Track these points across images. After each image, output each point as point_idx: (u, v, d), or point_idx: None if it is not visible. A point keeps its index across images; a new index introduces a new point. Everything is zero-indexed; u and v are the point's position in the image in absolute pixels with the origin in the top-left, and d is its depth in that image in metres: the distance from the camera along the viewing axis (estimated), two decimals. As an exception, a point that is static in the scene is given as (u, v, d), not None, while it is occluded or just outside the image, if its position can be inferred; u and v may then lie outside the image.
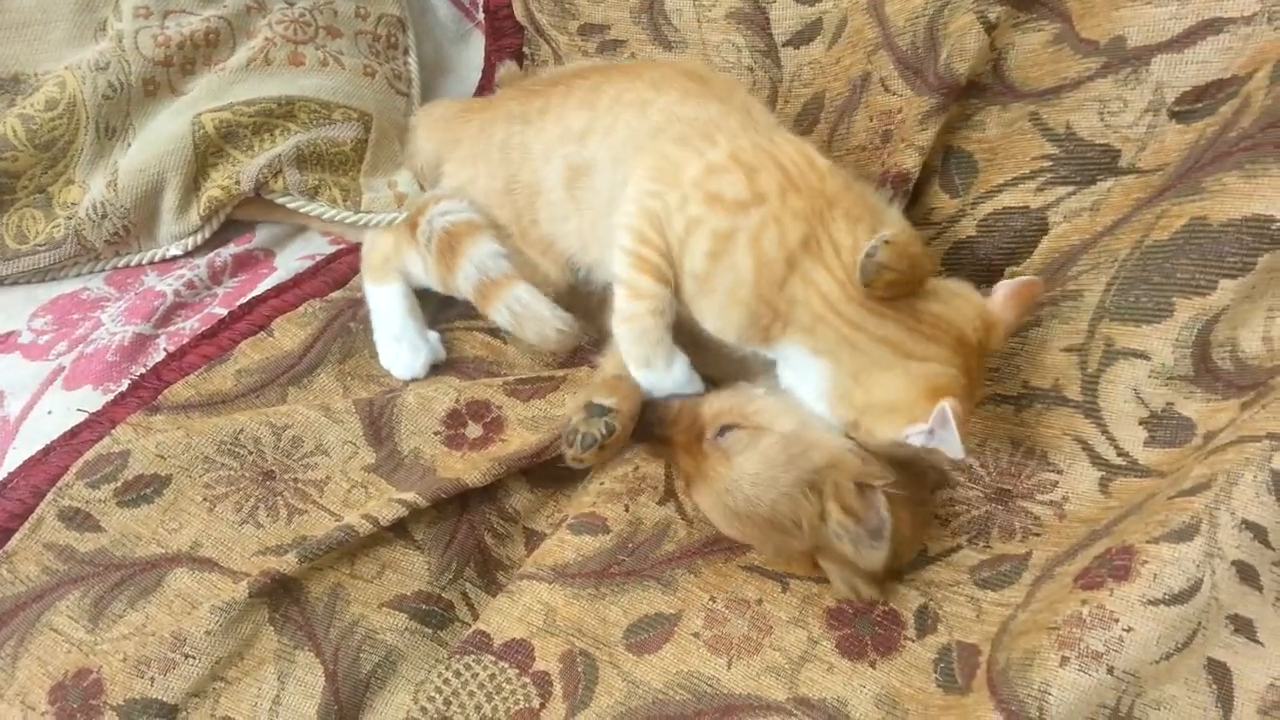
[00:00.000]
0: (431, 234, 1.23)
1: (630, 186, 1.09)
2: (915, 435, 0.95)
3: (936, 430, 0.93)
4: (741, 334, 1.04)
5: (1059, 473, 1.04)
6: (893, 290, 0.98)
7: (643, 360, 1.09)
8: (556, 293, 1.24)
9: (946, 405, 0.92)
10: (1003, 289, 1.01)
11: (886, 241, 0.95)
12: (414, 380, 1.25)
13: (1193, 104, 1.04)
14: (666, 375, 1.09)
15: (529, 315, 1.20)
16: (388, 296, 1.27)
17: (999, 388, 1.10)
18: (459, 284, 1.23)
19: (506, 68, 1.56)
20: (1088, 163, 1.11)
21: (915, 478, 1.04)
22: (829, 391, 1.01)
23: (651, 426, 1.08)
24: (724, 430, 1.05)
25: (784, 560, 1.05)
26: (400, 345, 1.26)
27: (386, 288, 1.28)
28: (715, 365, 1.12)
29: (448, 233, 1.22)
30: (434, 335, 1.28)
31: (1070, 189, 1.12)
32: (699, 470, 1.05)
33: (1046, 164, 1.14)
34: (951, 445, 0.93)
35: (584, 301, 1.26)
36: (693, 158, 1.06)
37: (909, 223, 1.10)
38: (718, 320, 1.05)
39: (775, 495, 1.00)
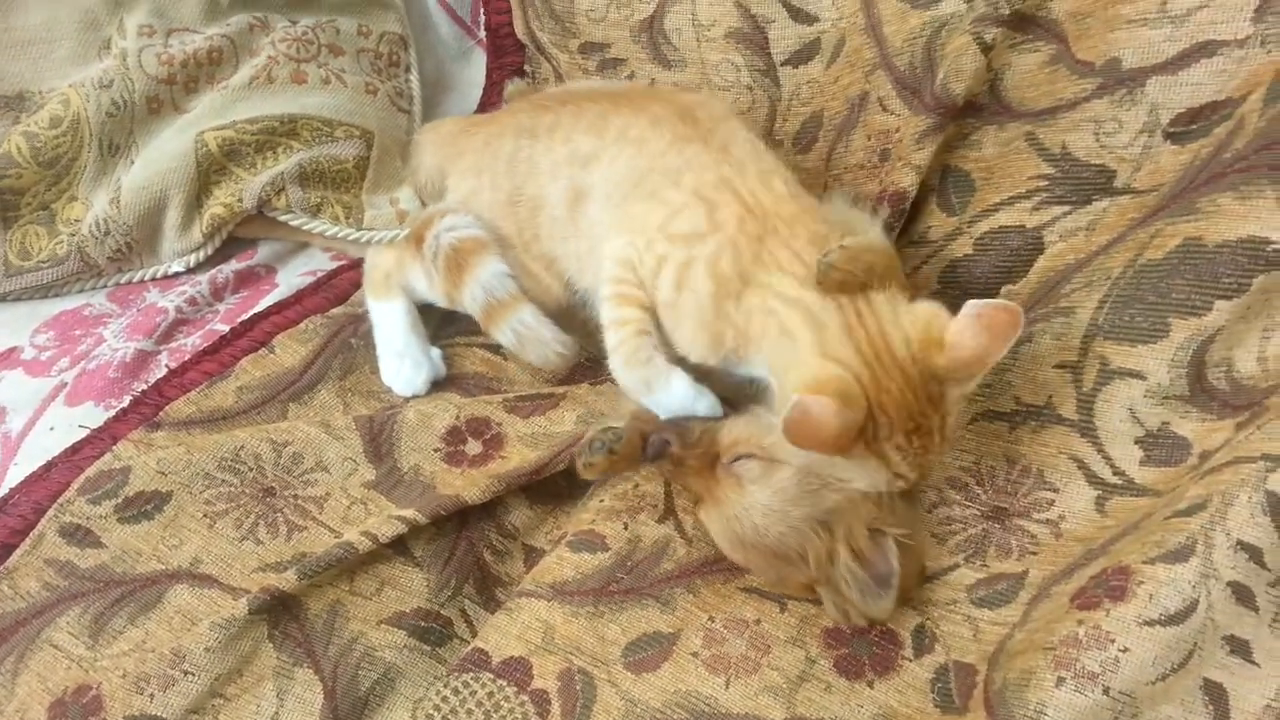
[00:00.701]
0: (438, 249, 1.23)
1: (606, 245, 1.13)
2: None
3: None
4: (713, 355, 1.06)
5: (1055, 491, 1.04)
6: (843, 290, 0.98)
7: (642, 383, 1.10)
8: (558, 306, 1.25)
9: (796, 397, 0.89)
10: (968, 313, 0.94)
11: (843, 246, 0.97)
12: (415, 397, 1.26)
13: (1187, 125, 1.04)
14: (668, 393, 1.10)
15: (532, 337, 1.22)
16: (390, 312, 1.28)
17: (991, 404, 1.10)
18: (465, 302, 1.24)
19: (514, 85, 1.57)
20: (1083, 183, 1.12)
21: (910, 499, 1.05)
22: (779, 402, 1.00)
23: (668, 445, 1.08)
24: (740, 457, 1.05)
25: (781, 587, 1.05)
26: (403, 362, 1.26)
27: (389, 304, 1.29)
28: (725, 388, 1.13)
29: (455, 249, 1.23)
30: (436, 352, 1.29)
31: (1066, 209, 1.13)
32: (710, 493, 1.06)
33: (1042, 184, 1.14)
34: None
35: (582, 321, 1.27)
36: (657, 208, 1.10)
37: (886, 239, 1.10)
38: (689, 345, 1.08)
39: (784, 528, 1.01)
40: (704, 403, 1.11)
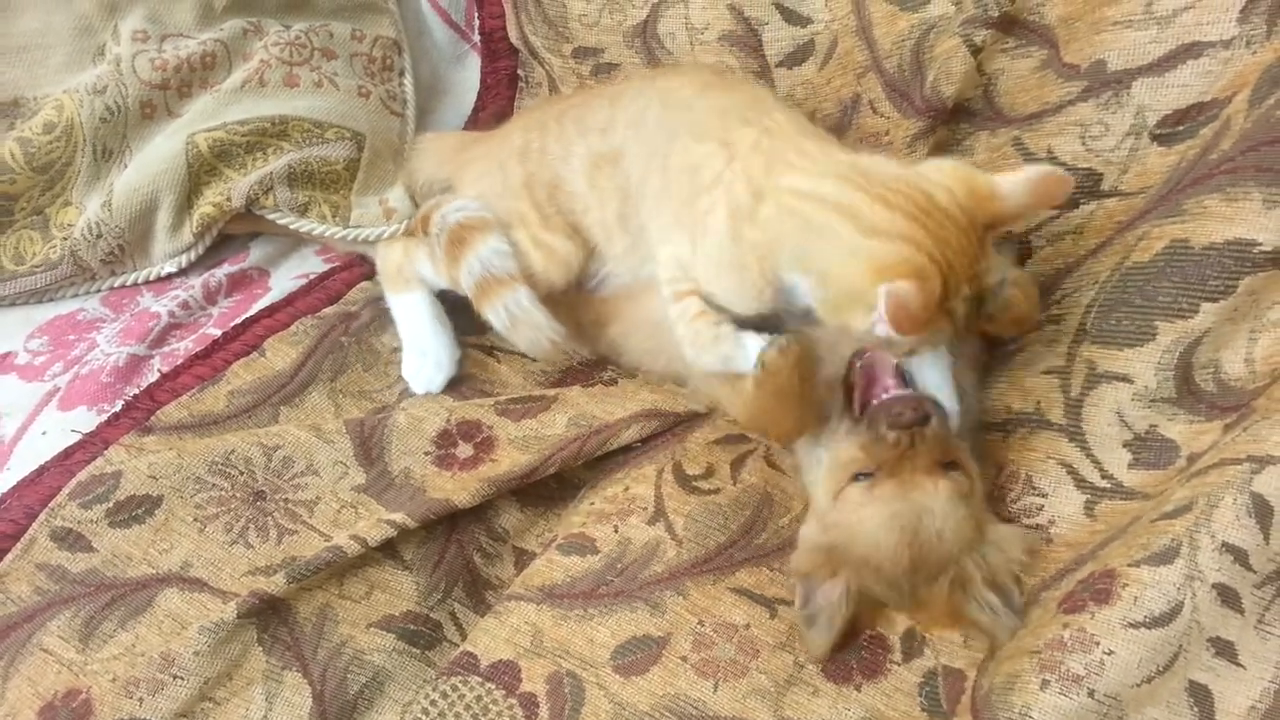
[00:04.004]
0: (443, 227, 1.23)
1: (659, 249, 1.13)
2: (879, 325, 0.88)
3: (882, 317, 0.87)
4: (750, 292, 1.03)
5: (1044, 496, 1.04)
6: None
7: (720, 360, 1.09)
8: (569, 276, 1.24)
9: (885, 288, 0.85)
10: (1026, 175, 0.93)
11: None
12: (427, 394, 1.25)
13: (1174, 127, 1.04)
14: (745, 355, 1.07)
15: (526, 320, 1.19)
16: (410, 305, 1.29)
17: (986, 417, 1.10)
18: (461, 278, 1.22)
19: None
20: (1070, 186, 1.12)
21: None
22: (819, 303, 0.96)
23: (929, 419, 1.00)
24: (951, 465, 1.01)
25: (815, 565, 1.02)
26: (425, 360, 1.26)
27: (407, 296, 1.29)
28: None
29: (460, 225, 1.22)
30: (458, 351, 1.28)
31: (1053, 213, 1.13)
32: (909, 481, 1.00)
33: (1028, 189, 1.14)
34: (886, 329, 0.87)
35: (578, 315, 1.27)
36: (688, 183, 1.08)
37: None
38: (730, 298, 1.06)
39: (956, 547, 0.98)
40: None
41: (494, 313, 1.21)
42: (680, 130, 1.11)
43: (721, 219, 1.03)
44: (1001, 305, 0.99)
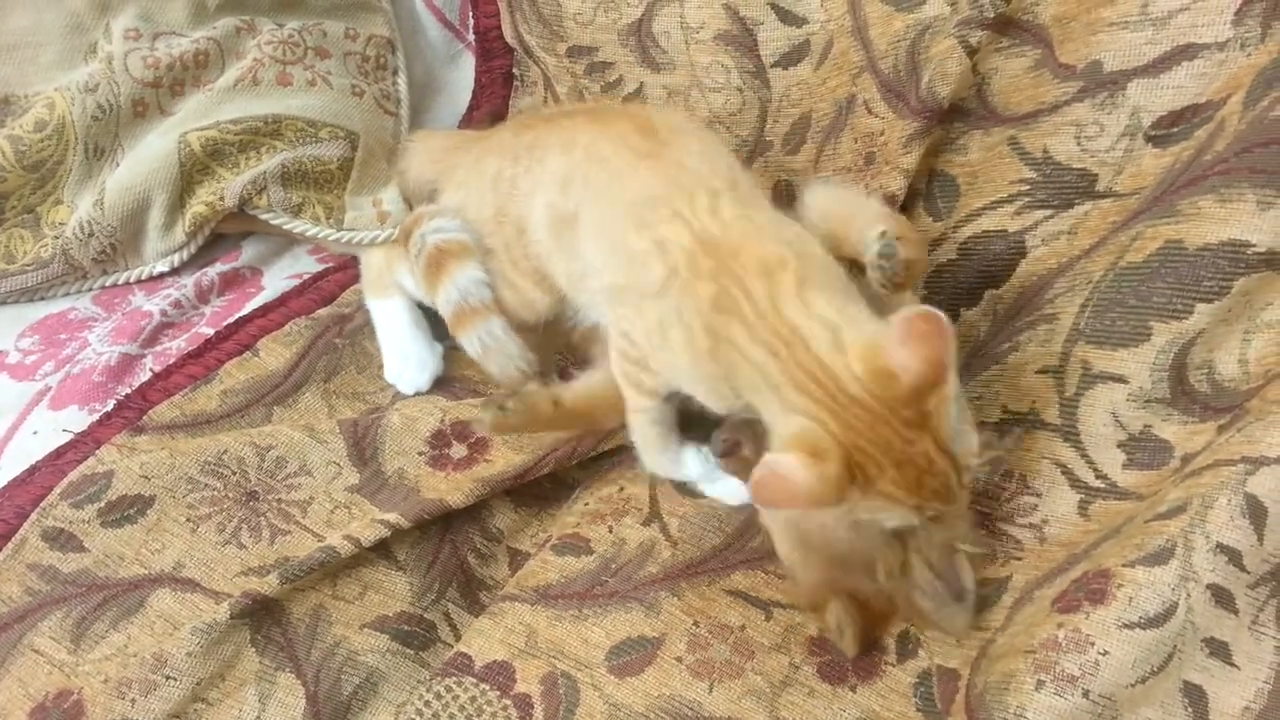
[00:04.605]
0: (423, 248, 1.23)
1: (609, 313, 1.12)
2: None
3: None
4: (721, 403, 1.02)
5: (1038, 496, 1.03)
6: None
7: (663, 467, 1.13)
8: (539, 319, 1.24)
9: (766, 458, 0.86)
10: (893, 337, 0.87)
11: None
12: (416, 394, 1.26)
13: (1169, 128, 1.04)
14: (678, 472, 1.13)
15: (498, 350, 1.21)
16: (389, 311, 1.29)
17: (980, 415, 1.09)
18: (439, 303, 1.24)
19: (527, 102, 1.57)
20: (1065, 186, 1.11)
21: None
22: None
23: (739, 445, 1.03)
24: None
25: (815, 598, 1.01)
26: (407, 362, 1.27)
27: (387, 302, 1.30)
28: None
29: (439, 249, 1.22)
30: (439, 348, 1.29)
31: (1048, 213, 1.13)
32: None
33: (1024, 188, 1.14)
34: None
35: (565, 332, 1.27)
36: (625, 263, 1.05)
37: (890, 211, 1.10)
38: (708, 401, 1.03)
39: (855, 534, 0.94)
40: (721, 484, 1.12)
41: (468, 340, 1.22)
42: (618, 214, 1.07)
43: (681, 347, 0.99)
44: (899, 265, 0.98)
